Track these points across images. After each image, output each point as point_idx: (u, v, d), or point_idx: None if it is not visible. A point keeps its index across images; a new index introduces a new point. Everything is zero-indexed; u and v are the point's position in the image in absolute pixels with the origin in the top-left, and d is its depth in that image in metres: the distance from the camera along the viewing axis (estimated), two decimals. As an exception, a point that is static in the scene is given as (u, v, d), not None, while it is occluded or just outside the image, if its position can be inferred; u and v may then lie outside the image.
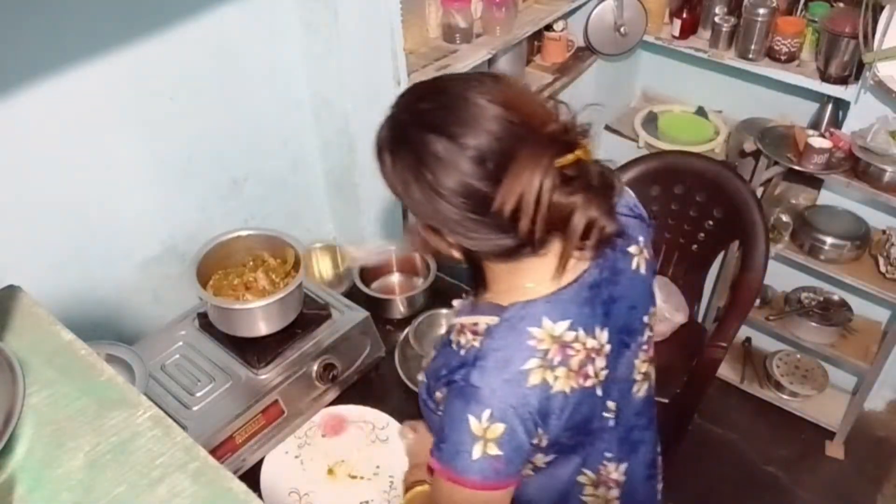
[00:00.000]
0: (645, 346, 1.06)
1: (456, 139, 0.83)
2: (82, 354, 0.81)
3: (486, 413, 0.87)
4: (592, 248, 0.89)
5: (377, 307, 1.69)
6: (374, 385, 1.57)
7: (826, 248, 2.12)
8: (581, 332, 0.92)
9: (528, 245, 0.87)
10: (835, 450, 2.43)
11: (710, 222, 2.20)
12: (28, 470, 0.70)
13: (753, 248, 2.06)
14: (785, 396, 2.49)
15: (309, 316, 1.49)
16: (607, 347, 0.96)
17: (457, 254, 0.94)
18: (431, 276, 1.74)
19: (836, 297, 2.36)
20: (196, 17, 1.41)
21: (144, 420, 0.74)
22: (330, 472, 1.41)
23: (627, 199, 1.04)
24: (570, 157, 0.82)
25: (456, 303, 1.10)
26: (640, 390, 1.09)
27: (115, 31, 1.30)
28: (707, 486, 2.34)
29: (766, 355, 2.57)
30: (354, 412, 1.49)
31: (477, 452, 0.88)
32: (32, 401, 0.75)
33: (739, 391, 2.56)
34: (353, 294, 1.72)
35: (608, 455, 1.08)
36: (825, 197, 2.23)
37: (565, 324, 0.91)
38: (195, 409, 1.36)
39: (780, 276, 2.38)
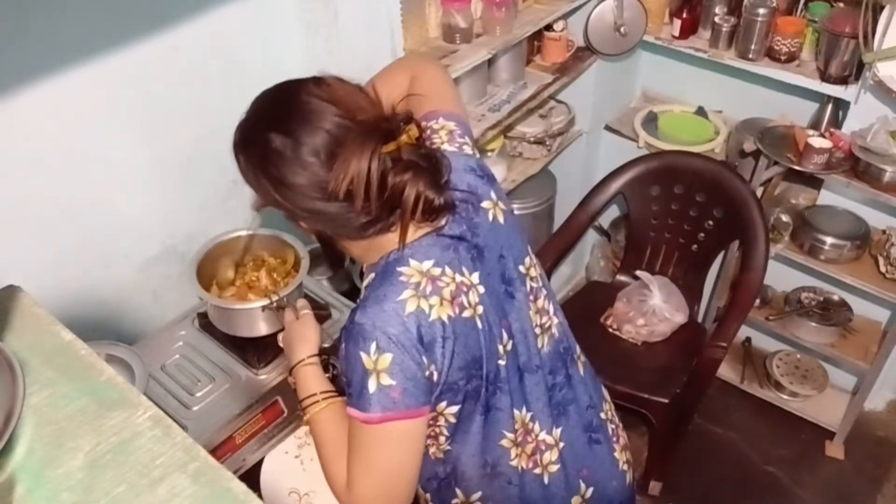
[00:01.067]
0: (531, 297, 1.14)
1: (292, 135, 0.94)
2: (82, 354, 0.81)
3: (373, 346, 0.95)
4: (424, 218, 0.99)
5: (377, 307, 1.68)
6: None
7: (826, 248, 2.11)
8: (447, 269, 1.01)
9: (375, 222, 0.98)
10: (835, 450, 2.42)
11: (710, 222, 2.20)
12: (28, 470, 0.70)
13: (753, 248, 2.06)
14: (785, 396, 2.48)
15: (309, 316, 1.49)
16: (480, 288, 1.04)
17: (315, 237, 1.06)
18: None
19: (836, 297, 2.35)
20: (196, 17, 1.41)
21: (144, 420, 0.74)
22: (330, 472, 1.40)
23: (472, 162, 1.12)
24: (391, 145, 0.94)
25: None
26: (544, 344, 1.16)
27: (115, 31, 1.30)
28: (707, 486, 2.34)
29: (766, 355, 2.57)
30: (354, 412, 1.49)
31: (372, 386, 0.95)
32: (32, 401, 0.75)
33: (739, 391, 2.55)
34: (353, 294, 1.72)
35: (522, 410, 1.12)
36: (825, 197, 2.23)
37: (430, 262, 1.01)
38: (195, 409, 1.36)
39: (780, 276, 2.38)
